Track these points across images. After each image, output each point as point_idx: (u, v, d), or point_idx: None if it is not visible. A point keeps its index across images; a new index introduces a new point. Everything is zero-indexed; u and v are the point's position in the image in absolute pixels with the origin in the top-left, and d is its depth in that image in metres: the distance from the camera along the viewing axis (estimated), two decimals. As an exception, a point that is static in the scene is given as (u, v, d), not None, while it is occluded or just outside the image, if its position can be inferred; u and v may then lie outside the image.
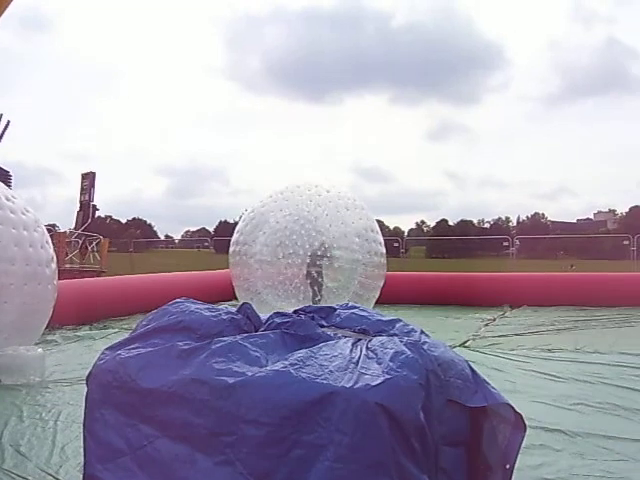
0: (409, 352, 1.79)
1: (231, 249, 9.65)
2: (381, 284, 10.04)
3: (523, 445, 3.85)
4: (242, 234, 9.52)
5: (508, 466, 2.08)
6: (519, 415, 2.06)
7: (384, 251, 10.12)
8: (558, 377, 6.03)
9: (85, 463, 1.99)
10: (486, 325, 10.25)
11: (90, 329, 9.57)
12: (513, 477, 3.36)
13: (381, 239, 10.07)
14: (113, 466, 1.89)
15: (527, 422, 4.14)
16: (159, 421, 1.81)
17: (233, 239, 9.61)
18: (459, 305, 12.75)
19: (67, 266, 19.46)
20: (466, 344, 8.26)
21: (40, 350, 6.20)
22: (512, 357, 7.18)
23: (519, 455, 3.59)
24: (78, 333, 9.13)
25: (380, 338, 1.95)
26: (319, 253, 9.24)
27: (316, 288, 9.32)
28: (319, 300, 9.11)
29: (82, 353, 7.16)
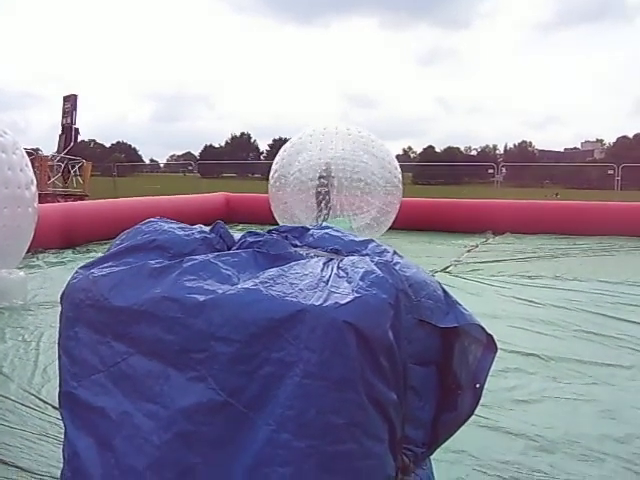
0: (379, 272, 1.80)
1: (271, 178, 11.33)
2: (397, 208, 10.76)
3: (498, 368, 3.96)
4: (279, 165, 11.25)
5: (478, 385, 2.11)
6: (490, 336, 2.09)
7: (400, 178, 11.27)
8: (536, 303, 6.16)
9: (60, 381, 2.02)
10: (468, 251, 10.38)
11: (73, 253, 9.62)
12: (488, 398, 3.45)
13: (398, 168, 11.30)
14: (88, 383, 1.91)
15: (503, 346, 4.24)
16: (131, 338, 1.82)
17: (272, 170, 11.37)
18: (443, 231, 12.88)
19: (49, 190, 19.38)
20: (448, 269, 8.38)
21: (22, 273, 6.24)
22: (492, 283, 7.30)
23: (494, 378, 3.67)
24: (61, 257, 9.17)
25: (351, 258, 1.96)
26: (324, 174, 10.62)
27: (323, 205, 10.62)
28: (325, 218, 10.47)
29: (65, 276, 7.14)
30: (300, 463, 1.62)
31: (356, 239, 2.22)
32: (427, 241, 11.66)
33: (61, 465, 1.96)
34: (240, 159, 79.83)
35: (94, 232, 10.69)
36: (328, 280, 1.78)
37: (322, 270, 1.85)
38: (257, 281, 1.77)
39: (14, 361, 4.29)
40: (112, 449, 1.80)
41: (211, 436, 1.69)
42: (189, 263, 1.86)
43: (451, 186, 43.38)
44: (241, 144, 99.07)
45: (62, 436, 2.14)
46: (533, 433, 3.23)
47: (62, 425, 2.04)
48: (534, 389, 3.83)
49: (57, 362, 2.10)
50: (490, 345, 2.13)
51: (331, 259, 1.97)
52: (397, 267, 1.93)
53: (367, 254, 2.07)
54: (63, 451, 2.00)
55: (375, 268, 1.82)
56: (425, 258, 9.09)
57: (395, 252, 2.13)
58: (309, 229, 2.29)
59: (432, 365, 2.01)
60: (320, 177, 10.47)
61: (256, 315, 1.67)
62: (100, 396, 1.86)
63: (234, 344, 1.68)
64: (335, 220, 10.05)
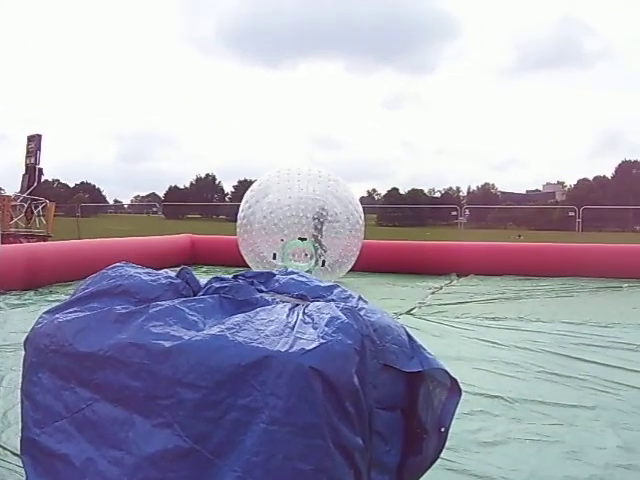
0: (345, 317, 1.82)
1: (238, 219, 11.09)
2: (358, 250, 10.90)
3: (463, 411, 3.97)
4: (247, 205, 11.01)
5: (443, 429, 2.13)
6: (454, 380, 2.11)
7: (363, 220, 11.29)
8: (500, 344, 6.17)
9: (22, 427, 1.99)
10: (433, 293, 10.38)
11: (35, 294, 9.46)
12: (453, 441, 3.45)
13: (360, 209, 11.34)
14: (51, 429, 1.89)
15: (468, 389, 4.25)
16: (96, 384, 1.81)
17: (240, 211, 11.14)
18: (407, 273, 12.87)
19: (12, 230, 19.17)
20: (412, 312, 8.37)
21: (-17, 315, 6.13)
22: (456, 325, 7.31)
23: (459, 420, 3.68)
24: (23, 299, 9.02)
25: (317, 303, 1.97)
26: (321, 218, 10.57)
27: (319, 250, 10.61)
28: (321, 261, 10.53)
29: (26, 319, 7.07)
30: (266, 510, 1.62)
31: (322, 284, 2.24)
32: (391, 283, 11.66)
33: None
34: (205, 200, 79.83)
35: (57, 273, 10.56)
36: (294, 326, 1.79)
37: (288, 316, 1.86)
38: (223, 327, 1.77)
39: (-27, 406, 4.20)
40: (75, 497, 1.78)
41: (177, 483, 1.68)
42: (155, 309, 1.86)
43: (415, 228, 43.74)
44: (206, 185, 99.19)
45: (23, 484, 2.10)
46: (499, 475, 3.23)
47: (23, 472, 2.02)
48: (499, 431, 3.83)
49: (18, 407, 2.07)
50: (454, 389, 2.15)
51: (297, 305, 1.98)
52: (362, 312, 1.95)
53: (332, 299, 2.08)
54: (24, 499, 1.97)
55: (340, 314, 1.84)
56: (389, 300, 9.08)
57: (360, 297, 2.15)
58: (275, 274, 2.30)
59: (397, 410, 2.02)
60: (314, 219, 10.48)
61: (222, 361, 1.68)
62: (64, 443, 1.85)
63: (200, 390, 1.68)
64: (287, 244, 10.19)
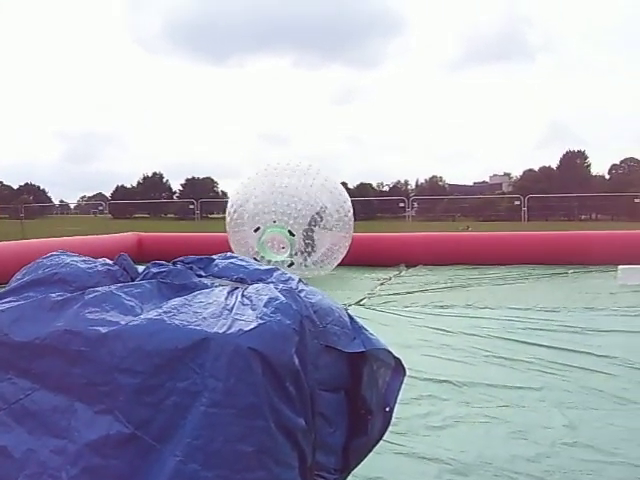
0: (283, 298, 1.82)
1: (227, 217, 11.15)
2: (348, 244, 10.97)
3: (412, 396, 4.01)
4: (235, 203, 10.98)
5: (388, 409, 2.14)
6: (398, 359, 2.13)
7: (352, 216, 11.33)
8: (448, 331, 6.24)
9: (-41, 422, 1.95)
10: (382, 284, 10.44)
11: (-21, 296, 9.26)
12: (402, 426, 3.49)
13: (350, 206, 11.37)
14: (-13, 422, 1.85)
15: (416, 374, 4.29)
16: (35, 374, 1.78)
17: (227, 208, 11.16)
18: (356, 265, 12.90)
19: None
20: (361, 302, 8.41)
21: None
22: (405, 314, 7.37)
23: (408, 405, 3.72)
24: (-34, 301, 8.82)
25: (256, 285, 1.97)
26: (316, 217, 10.60)
27: (310, 248, 10.71)
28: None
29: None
30: (209, 493, 1.61)
31: (261, 267, 2.24)
32: (339, 275, 11.70)
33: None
34: (152, 199, 78.81)
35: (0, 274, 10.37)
36: (232, 308, 1.79)
37: (226, 298, 1.86)
38: (160, 311, 1.76)
39: None
40: (15, 489, 1.75)
41: (119, 470, 1.67)
42: (91, 295, 1.84)
43: (364, 222, 43.94)
44: (153, 184, 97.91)
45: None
46: (447, 457, 3.26)
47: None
48: (448, 414, 3.87)
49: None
50: (398, 368, 2.16)
51: (236, 288, 1.98)
52: (302, 294, 1.95)
53: (272, 282, 2.08)
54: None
55: (279, 295, 1.83)
56: (339, 292, 9.12)
57: (300, 280, 2.16)
58: (214, 259, 2.29)
59: (341, 391, 2.03)
60: (310, 221, 10.51)
61: (160, 345, 1.67)
62: (1, 435, 1.81)
63: (138, 375, 1.66)
64: (275, 227, 10.16)
